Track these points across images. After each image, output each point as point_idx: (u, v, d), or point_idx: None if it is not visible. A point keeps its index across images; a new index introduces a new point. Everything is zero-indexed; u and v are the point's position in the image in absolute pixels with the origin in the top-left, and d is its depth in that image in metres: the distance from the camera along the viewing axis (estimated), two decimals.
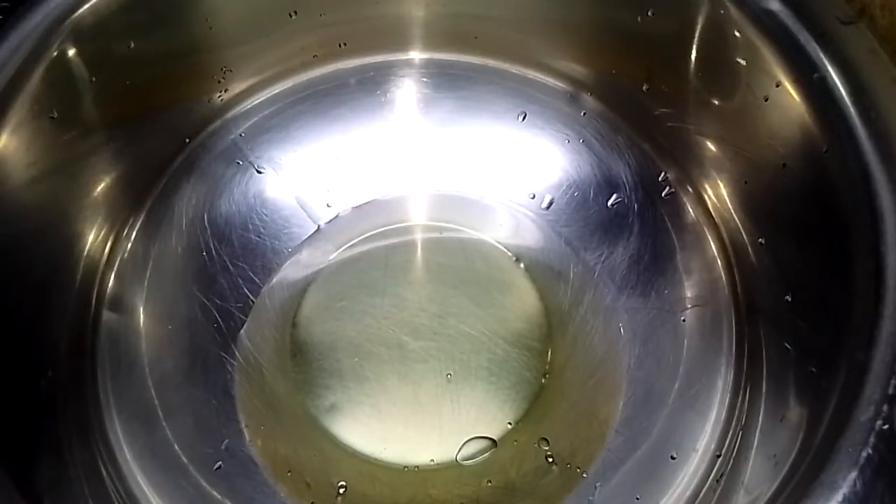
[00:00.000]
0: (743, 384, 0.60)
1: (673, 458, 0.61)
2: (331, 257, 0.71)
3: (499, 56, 0.71)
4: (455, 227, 0.73)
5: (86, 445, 0.56)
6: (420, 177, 0.75)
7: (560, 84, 0.71)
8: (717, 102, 0.60)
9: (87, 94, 0.56)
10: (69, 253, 0.59)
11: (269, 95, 0.70)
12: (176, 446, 0.61)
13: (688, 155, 0.66)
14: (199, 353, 0.66)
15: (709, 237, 0.66)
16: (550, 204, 0.73)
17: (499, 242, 0.72)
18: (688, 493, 0.58)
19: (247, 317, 0.68)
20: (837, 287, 0.48)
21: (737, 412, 0.59)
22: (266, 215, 0.71)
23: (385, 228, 0.73)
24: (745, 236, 0.61)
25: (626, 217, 0.71)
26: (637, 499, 0.61)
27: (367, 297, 0.70)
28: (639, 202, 0.70)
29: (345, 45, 0.70)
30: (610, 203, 0.71)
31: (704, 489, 0.57)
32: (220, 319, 0.68)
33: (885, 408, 0.42)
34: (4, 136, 0.49)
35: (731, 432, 0.59)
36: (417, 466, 0.63)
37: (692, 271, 0.67)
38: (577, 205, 0.72)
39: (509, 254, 0.71)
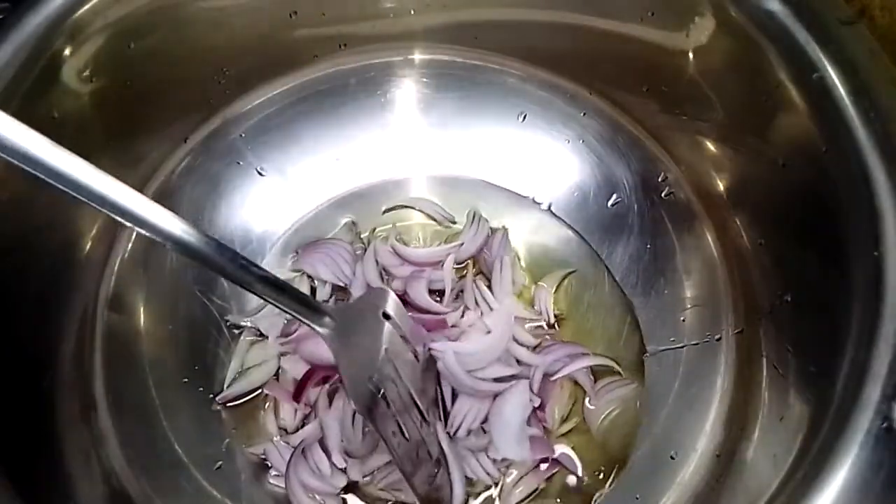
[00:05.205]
0: (742, 384, 0.60)
1: (673, 458, 0.61)
2: None
3: (499, 56, 0.71)
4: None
5: (86, 445, 0.56)
6: (421, 177, 0.75)
7: (560, 84, 0.71)
8: (716, 103, 0.60)
9: (86, 94, 0.56)
10: (70, 253, 0.59)
11: (269, 96, 0.70)
12: (176, 446, 0.61)
13: (688, 155, 0.66)
14: (199, 353, 0.66)
15: (709, 237, 0.66)
16: (551, 204, 0.73)
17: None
18: (688, 493, 0.58)
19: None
20: (837, 287, 0.48)
21: (736, 412, 0.59)
22: (266, 216, 0.71)
23: (387, 227, 0.73)
24: (745, 237, 0.61)
25: (626, 217, 0.71)
26: (637, 498, 0.61)
27: None
28: (639, 202, 0.70)
29: (345, 45, 0.70)
30: (610, 203, 0.71)
31: (704, 489, 0.57)
32: (220, 319, 0.68)
33: (885, 408, 0.42)
34: None
35: (730, 432, 0.59)
36: None
37: (692, 271, 0.67)
38: (577, 205, 0.72)
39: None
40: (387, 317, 0.57)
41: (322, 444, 0.62)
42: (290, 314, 0.50)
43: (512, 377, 0.63)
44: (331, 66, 0.71)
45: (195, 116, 0.68)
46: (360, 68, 0.72)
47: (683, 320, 0.66)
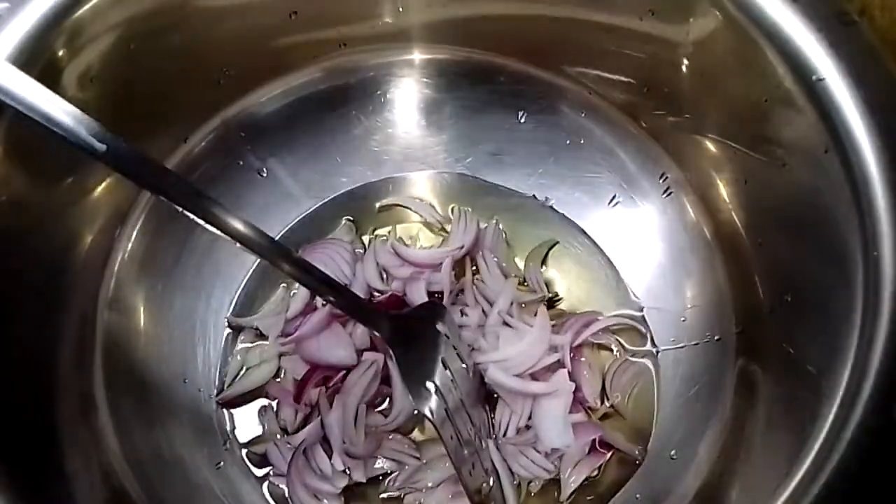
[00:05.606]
0: (743, 384, 0.60)
1: (673, 458, 0.61)
2: None
3: (498, 55, 0.71)
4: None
5: (85, 445, 0.56)
6: (420, 176, 0.75)
7: (560, 84, 0.71)
8: (716, 102, 0.60)
9: (86, 94, 0.56)
10: (69, 253, 0.59)
11: (269, 95, 0.70)
12: (176, 446, 0.61)
13: (688, 155, 0.66)
14: (199, 353, 0.66)
15: (709, 237, 0.66)
16: (552, 204, 0.73)
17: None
18: (688, 493, 0.58)
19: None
20: (837, 287, 0.48)
21: (736, 412, 0.59)
22: (266, 216, 0.71)
23: (387, 229, 0.73)
24: (744, 237, 0.61)
25: (626, 217, 0.71)
26: (637, 498, 0.61)
27: None
28: (639, 202, 0.70)
29: (345, 45, 0.70)
30: (610, 203, 0.71)
31: (704, 489, 0.57)
32: (220, 319, 0.68)
33: (884, 407, 0.42)
34: (4, 137, 0.49)
35: (730, 432, 0.59)
36: None
37: (692, 271, 0.67)
38: (577, 205, 0.72)
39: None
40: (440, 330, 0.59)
41: (323, 444, 0.62)
42: (351, 317, 0.55)
43: (552, 365, 0.64)
44: (331, 66, 0.71)
45: (195, 116, 0.68)
46: (360, 68, 0.72)
47: (684, 320, 0.66)
